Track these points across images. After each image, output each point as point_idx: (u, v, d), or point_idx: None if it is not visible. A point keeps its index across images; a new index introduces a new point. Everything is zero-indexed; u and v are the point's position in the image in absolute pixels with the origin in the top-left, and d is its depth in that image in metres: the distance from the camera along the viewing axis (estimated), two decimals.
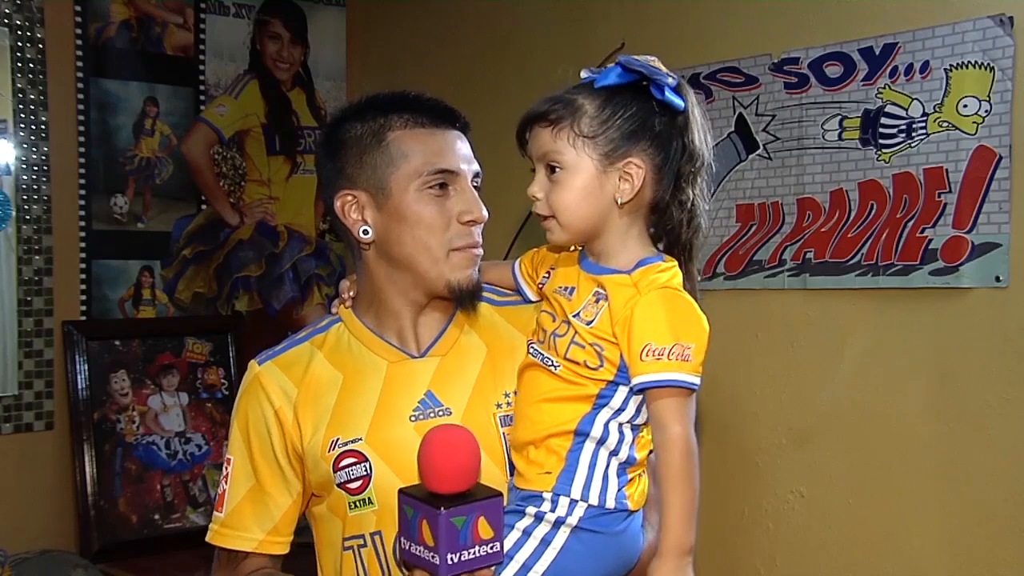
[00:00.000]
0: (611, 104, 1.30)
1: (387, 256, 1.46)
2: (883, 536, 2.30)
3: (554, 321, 1.36)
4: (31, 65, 2.82)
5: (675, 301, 1.29)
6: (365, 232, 1.46)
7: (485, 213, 1.45)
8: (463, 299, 1.45)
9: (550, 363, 1.34)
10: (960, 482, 2.18)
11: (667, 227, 1.36)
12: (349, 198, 1.46)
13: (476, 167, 1.48)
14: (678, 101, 1.31)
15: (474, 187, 1.47)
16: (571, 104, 1.32)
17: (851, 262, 2.32)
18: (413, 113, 1.45)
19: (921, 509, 2.24)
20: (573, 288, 1.36)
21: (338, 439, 1.44)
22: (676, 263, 1.35)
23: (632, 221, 1.34)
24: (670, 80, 1.31)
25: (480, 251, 1.46)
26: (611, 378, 1.30)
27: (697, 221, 1.35)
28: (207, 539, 1.52)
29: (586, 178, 1.31)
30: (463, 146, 1.47)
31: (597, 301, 1.32)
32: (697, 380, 1.27)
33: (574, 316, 1.33)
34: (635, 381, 1.27)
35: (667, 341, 1.25)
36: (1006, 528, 2.12)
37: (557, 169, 1.32)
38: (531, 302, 1.51)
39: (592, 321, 1.31)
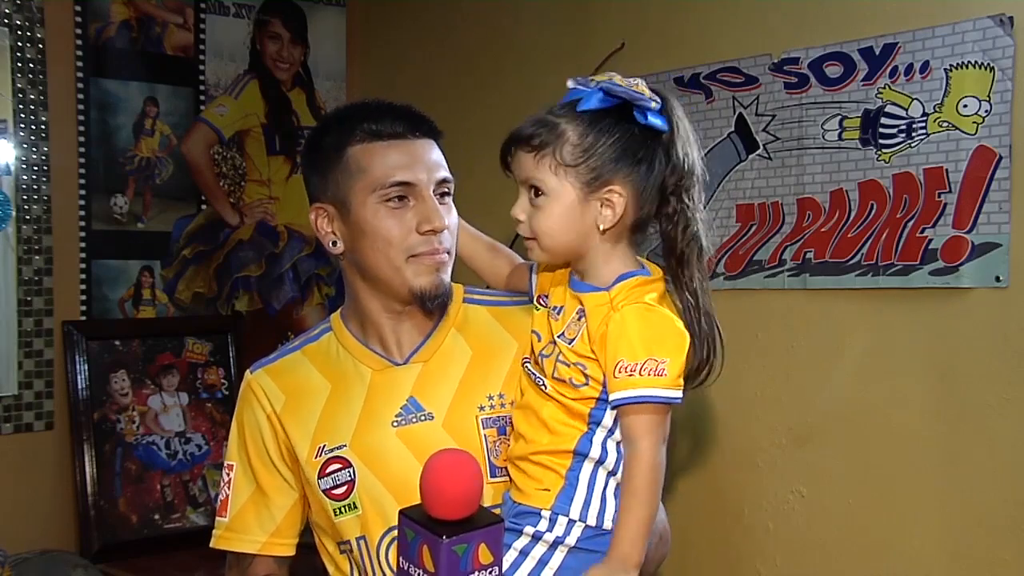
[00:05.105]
0: (593, 131, 1.29)
1: (357, 266, 1.48)
2: (883, 536, 2.30)
3: (540, 341, 1.37)
4: (31, 65, 2.82)
5: (648, 316, 1.28)
6: (334, 244, 1.48)
7: (446, 222, 1.43)
8: (428, 304, 1.45)
9: (541, 383, 1.35)
10: (960, 482, 2.18)
11: (663, 238, 1.35)
12: (321, 211, 1.48)
13: (442, 174, 1.46)
14: (661, 124, 1.30)
15: (442, 193, 1.46)
16: (554, 129, 1.30)
17: (851, 262, 2.32)
18: (374, 124, 1.44)
19: (921, 509, 2.24)
20: (561, 308, 1.36)
21: (324, 446, 1.46)
22: (660, 276, 1.34)
23: (615, 242, 1.34)
24: (653, 104, 1.29)
25: (445, 257, 1.45)
26: (597, 395, 1.30)
27: (692, 230, 1.32)
28: (211, 544, 1.55)
29: (567, 205, 1.31)
30: (426, 154, 1.45)
31: (579, 319, 1.32)
32: (675, 394, 1.26)
33: (559, 336, 1.33)
34: (611, 399, 1.27)
35: (639, 357, 1.25)
36: (1006, 528, 2.12)
37: (539, 194, 1.31)
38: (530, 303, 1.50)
39: (574, 340, 1.31)
